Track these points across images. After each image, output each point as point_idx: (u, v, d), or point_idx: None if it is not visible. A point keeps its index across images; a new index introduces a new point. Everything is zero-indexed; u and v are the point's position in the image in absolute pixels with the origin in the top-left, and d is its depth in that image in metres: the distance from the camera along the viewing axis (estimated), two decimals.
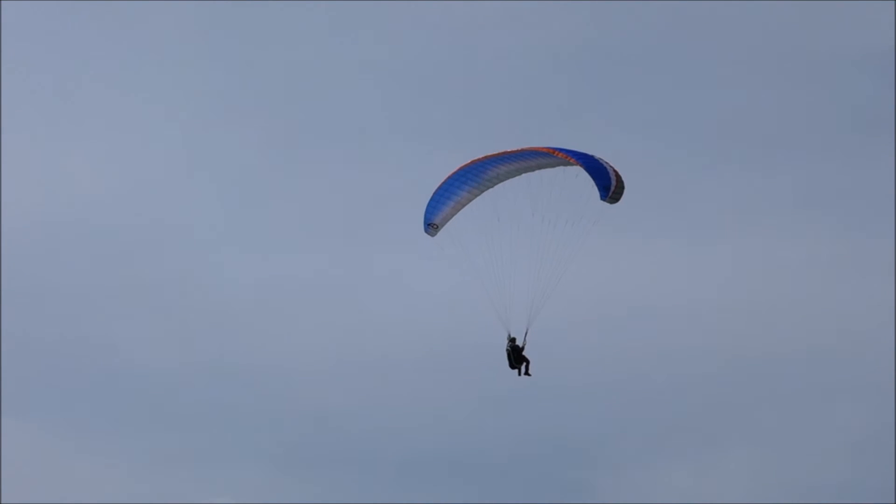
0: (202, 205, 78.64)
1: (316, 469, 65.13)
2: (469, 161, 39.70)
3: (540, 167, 39.05)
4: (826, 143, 79.59)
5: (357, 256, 74.23)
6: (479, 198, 40.02)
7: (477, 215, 39.98)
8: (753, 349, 67.97)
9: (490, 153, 39.29)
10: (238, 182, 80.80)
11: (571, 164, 37.79)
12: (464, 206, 40.34)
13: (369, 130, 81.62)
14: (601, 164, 37.68)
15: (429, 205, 40.53)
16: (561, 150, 37.99)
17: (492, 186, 40.06)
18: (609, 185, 37.33)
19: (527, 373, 39.72)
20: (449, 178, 40.10)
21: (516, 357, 39.49)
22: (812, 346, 67.65)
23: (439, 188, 40.28)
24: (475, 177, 39.93)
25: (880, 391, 63.72)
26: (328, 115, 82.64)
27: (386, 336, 69.37)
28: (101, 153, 79.55)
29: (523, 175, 39.33)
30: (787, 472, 63.64)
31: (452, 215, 40.48)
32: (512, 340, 39.50)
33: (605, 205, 37.58)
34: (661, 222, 73.87)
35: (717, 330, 69.60)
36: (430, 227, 40.53)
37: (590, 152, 38.27)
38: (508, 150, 38.98)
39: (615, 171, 37.82)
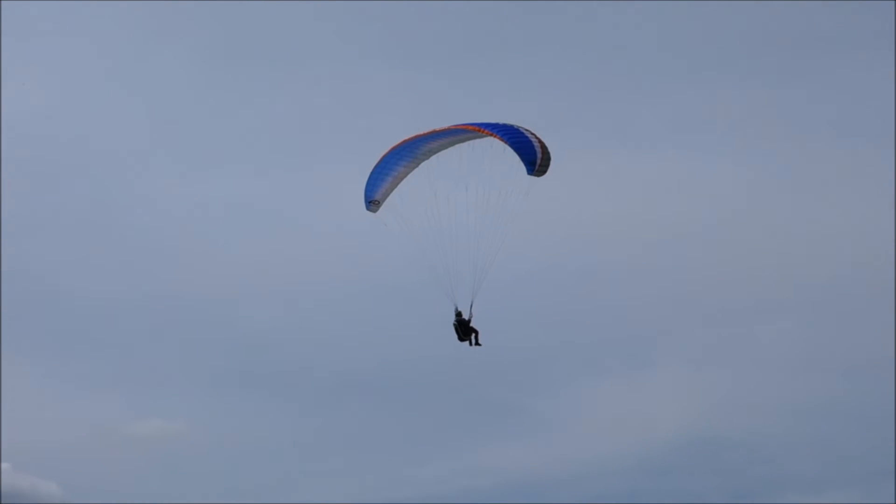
0: (127, 127, 78.94)
1: (247, 391, 66.67)
2: (401, 140, 40.53)
3: (469, 139, 39.86)
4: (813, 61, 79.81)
5: (289, 178, 74.83)
6: (415, 177, 40.79)
7: (414, 194, 40.73)
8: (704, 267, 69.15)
9: (420, 132, 40.13)
10: (167, 104, 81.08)
11: (498, 140, 38.56)
12: (401, 180, 41.09)
13: (303, 50, 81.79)
14: (526, 138, 38.26)
15: (368, 183, 41.23)
16: (487, 126, 38.63)
17: (426, 159, 40.83)
18: (535, 160, 38.05)
19: (477, 343, 40.31)
20: (385, 156, 40.84)
21: (464, 330, 40.07)
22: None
23: (376, 166, 40.99)
24: (410, 153, 40.70)
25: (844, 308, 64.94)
26: (258, 36, 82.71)
27: (318, 259, 70.23)
28: (27, 75, 79.65)
29: (455, 151, 40.08)
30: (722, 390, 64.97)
31: (391, 190, 41.25)
32: (458, 314, 40.09)
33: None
34: (632, 139, 74.64)
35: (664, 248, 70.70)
36: (372, 204, 41.20)
37: (514, 122, 39.01)
38: (438, 128, 39.76)
39: (541, 142, 38.48)
